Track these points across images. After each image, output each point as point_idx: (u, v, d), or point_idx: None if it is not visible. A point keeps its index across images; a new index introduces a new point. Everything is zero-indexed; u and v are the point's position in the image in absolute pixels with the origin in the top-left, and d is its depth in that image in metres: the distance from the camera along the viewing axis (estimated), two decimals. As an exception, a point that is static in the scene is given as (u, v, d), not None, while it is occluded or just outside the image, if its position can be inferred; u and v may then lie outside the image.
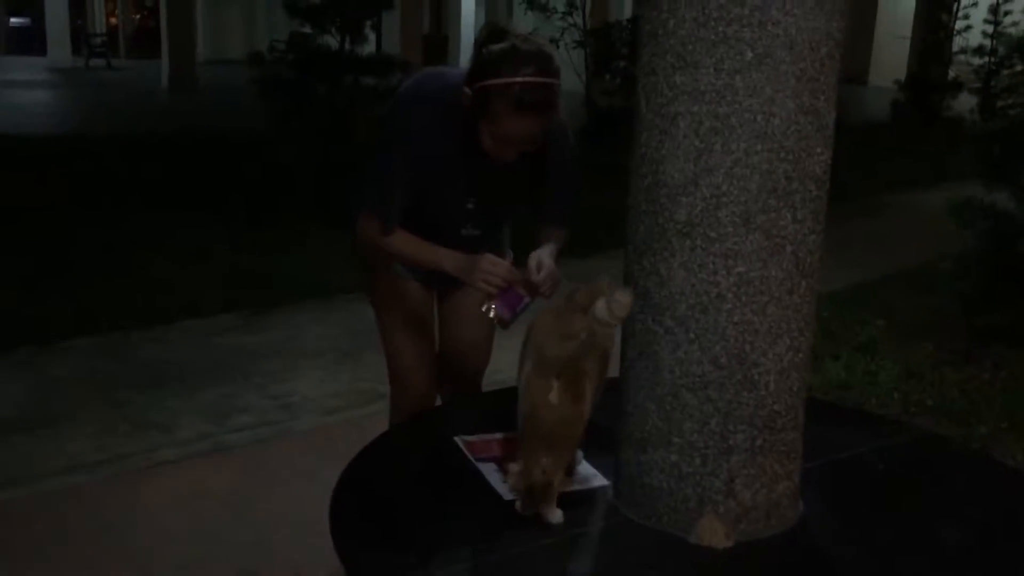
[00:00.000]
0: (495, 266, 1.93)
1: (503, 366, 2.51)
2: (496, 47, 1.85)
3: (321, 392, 3.92)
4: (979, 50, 15.07)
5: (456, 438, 1.99)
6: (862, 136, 10.69)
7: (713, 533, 1.63)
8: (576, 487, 1.79)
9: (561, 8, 11.74)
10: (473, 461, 1.90)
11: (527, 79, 1.81)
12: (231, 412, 3.67)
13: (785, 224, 1.55)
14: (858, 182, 8.67)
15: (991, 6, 14.78)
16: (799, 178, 1.55)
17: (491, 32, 1.90)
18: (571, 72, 12.69)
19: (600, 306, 1.49)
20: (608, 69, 11.33)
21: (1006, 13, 14.57)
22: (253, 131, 7.75)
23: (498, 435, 2.02)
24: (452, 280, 2.26)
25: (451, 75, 2.04)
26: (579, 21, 11.94)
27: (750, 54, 1.48)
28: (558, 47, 12.07)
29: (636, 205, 1.65)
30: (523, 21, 14.76)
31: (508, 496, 1.76)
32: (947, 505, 1.81)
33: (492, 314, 2.00)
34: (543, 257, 2.03)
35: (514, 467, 1.88)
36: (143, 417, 3.59)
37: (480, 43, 1.90)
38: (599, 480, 1.81)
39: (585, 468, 1.85)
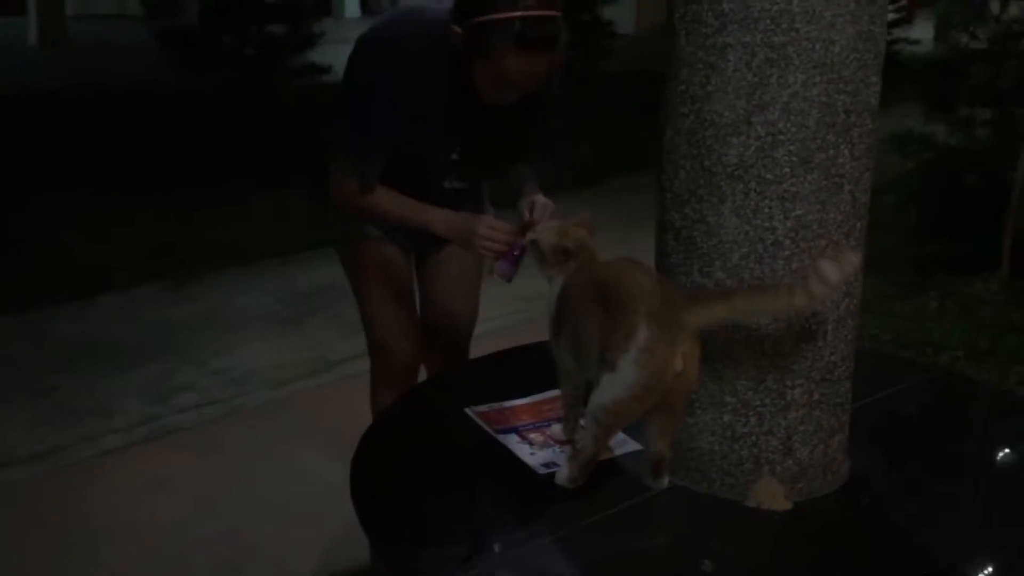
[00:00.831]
0: (495, 231, 1.76)
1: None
2: None
3: (266, 363, 3.69)
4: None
5: (467, 409, 1.84)
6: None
7: (772, 496, 1.53)
8: (610, 455, 1.68)
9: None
10: (492, 433, 1.76)
11: (529, 12, 1.63)
12: (173, 391, 3.42)
13: (843, 162, 1.44)
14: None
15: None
16: (857, 111, 1.43)
17: None
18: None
19: (827, 268, 1.32)
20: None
21: None
22: (150, 87, 7.30)
23: (509, 403, 1.88)
24: (432, 240, 2.08)
25: (429, 11, 1.84)
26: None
27: (809, -25, 1.35)
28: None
29: (675, 148, 1.51)
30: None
31: (541, 469, 1.63)
32: (989, 446, 1.76)
33: (495, 275, 1.84)
34: (534, 198, 1.87)
35: (538, 437, 1.75)
36: (77, 403, 3.31)
37: None
38: (631, 445, 1.69)
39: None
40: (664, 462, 1.54)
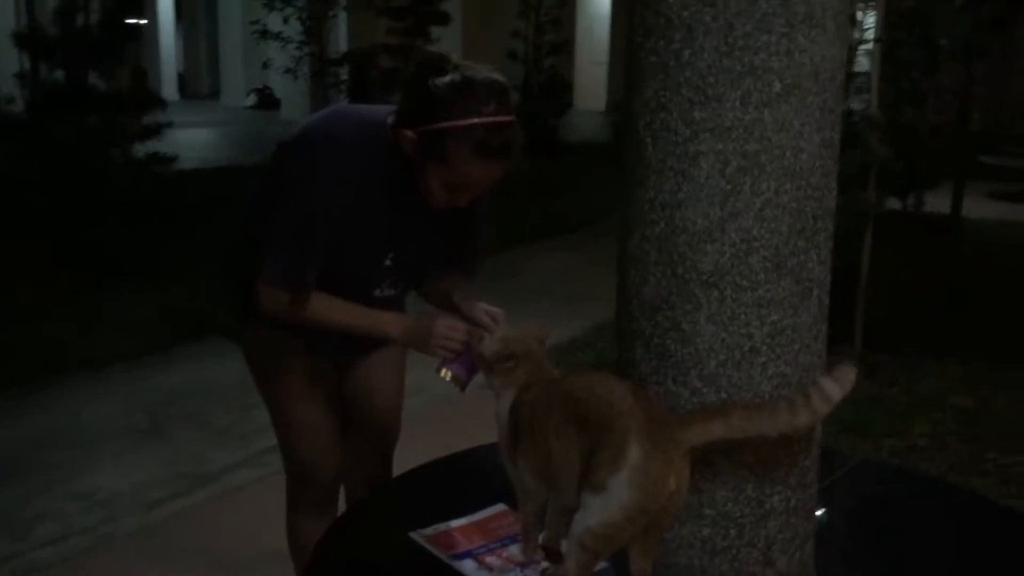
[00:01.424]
0: (453, 331, 1.68)
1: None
2: (444, 80, 1.59)
3: (133, 482, 3.38)
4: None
5: (412, 535, 1.71)
6: (597, 158, 10.99)
7: (755, 609, 1.48)
8: None
9: (297, 37, 11.31)
10: (447, 561, 1.64)
11: (490, 119, 1.58)
12: (31, 522, 3.06)
13: (812, 266, 1.44)
14: (599, 205, 8.59)
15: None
16: (822, 216, 1.45)
17: (427, 60, 1.64)
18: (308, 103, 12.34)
19: (829, 385, 1.31)
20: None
21: None
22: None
23: (454, 523, 1.77)
24: (357, 348, 1.97)
25: (366, 114, 1.76)
26: (314, 51, 11.57)
27: (779, 85, 1.36)
28: (295, 77, 11.68)
29: (643, 255, 1.47)
30: (257, 51, 14.15)
31: (511, 598, 1.53)
32: (928, 536, 1.77)
33: (449, 377, 1.75)
34: (490, 309, 1.81)
35: (495, 561, 1.64)
36: (-84, 544, 2.92)
37: (417, 74, 1.63)
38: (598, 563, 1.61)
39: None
40: None
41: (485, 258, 1.99)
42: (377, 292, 1.86)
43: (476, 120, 1.55)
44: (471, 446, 2.02)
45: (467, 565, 1.63)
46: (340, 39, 19.41)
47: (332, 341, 1.90)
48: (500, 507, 1.82)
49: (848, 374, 1.33)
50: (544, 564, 1.60)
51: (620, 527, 1.36)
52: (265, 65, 12.16)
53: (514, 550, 1.66)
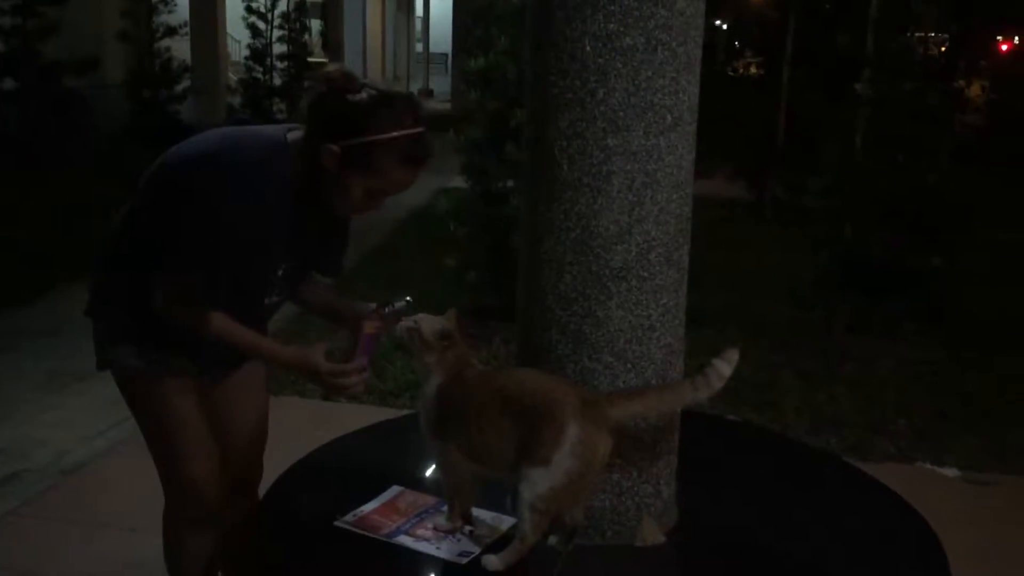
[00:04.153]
0: (339, 377, 1.82)
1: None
2: (361, 96, 1.73)
3: None
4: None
5: (337, 522, 1.86)
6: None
7: (652, 532, 1.86)
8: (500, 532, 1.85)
9: None
10: (384, 540, 1.82)
11: (413, 131, 1.76)
12: None
13: (686, 257, 1.84)
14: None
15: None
16: (689, 217, 1.85)
17: (335, 78, 1.77)
18: None
19: (721, 365, 1.62)
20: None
21: None
22: None
23: (366, 508, 1.93)
24: (228, 360, 2.04)
25: (260, 132, 1.85)
26: None
27: (670, 118, 1.73)
28: None
29: (558, 258, 1.77)
30: None
31: (463, 559, 1.75)
32: (751, 467, 2.27)
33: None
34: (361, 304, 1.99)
35: (426, 532, 1.84)
36: None
37: (330, 92, 1.76)
38: (510, 519, 1.88)
39: (485, 513, 1.90)
40: (578, 528, 1.78)
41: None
42: (267, 300, 1.95)
43: (400, 132, 1.73)
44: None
45: (405, 540, 1.82)
46: None
47: (209, 356, 1.95)
48: (397, 489, 2.01)
49: (734, 356, 1.69)
50: (468, 528, 1.85)
51: (566, 488, 1.66)
52: None
53: (440, 520, 1.86)
